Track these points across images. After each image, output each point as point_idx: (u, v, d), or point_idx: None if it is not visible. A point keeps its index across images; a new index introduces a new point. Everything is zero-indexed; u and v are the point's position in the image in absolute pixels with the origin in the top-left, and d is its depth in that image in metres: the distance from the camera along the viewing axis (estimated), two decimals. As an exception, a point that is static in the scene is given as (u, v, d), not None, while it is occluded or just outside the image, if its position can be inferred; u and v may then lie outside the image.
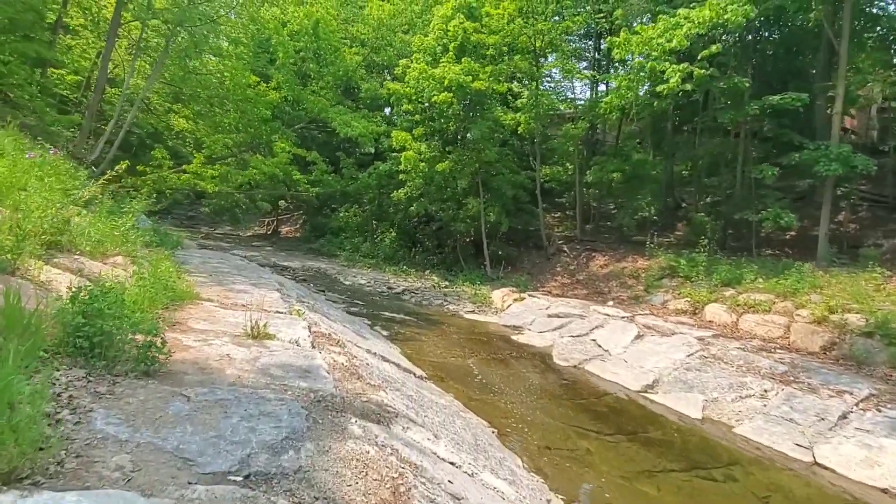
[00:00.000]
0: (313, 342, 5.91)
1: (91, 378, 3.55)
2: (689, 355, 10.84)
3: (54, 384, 3.17)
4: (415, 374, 7.92)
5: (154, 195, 19.94)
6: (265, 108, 22.03)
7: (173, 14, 12.55)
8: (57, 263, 4.95)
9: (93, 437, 2.76)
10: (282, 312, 7.00)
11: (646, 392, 9.70)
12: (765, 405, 8.52)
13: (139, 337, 3.96)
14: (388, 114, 26.14)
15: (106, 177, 8.74)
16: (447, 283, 18.86)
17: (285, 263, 20.07)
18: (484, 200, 19.00)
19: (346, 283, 17.90)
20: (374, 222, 25.35)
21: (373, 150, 26.46)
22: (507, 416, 7.71)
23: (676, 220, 21.66)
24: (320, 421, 3.63)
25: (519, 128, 18.57)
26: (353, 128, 20.76)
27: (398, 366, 7.75)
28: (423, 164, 18.63)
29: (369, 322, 12.04)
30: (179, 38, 15.98)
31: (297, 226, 32.41)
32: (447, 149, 19.57)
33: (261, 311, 6.79)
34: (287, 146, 22.23)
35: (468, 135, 18.56)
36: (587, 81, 22.78)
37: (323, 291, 14.99)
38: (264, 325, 5.50)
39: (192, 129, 23.54)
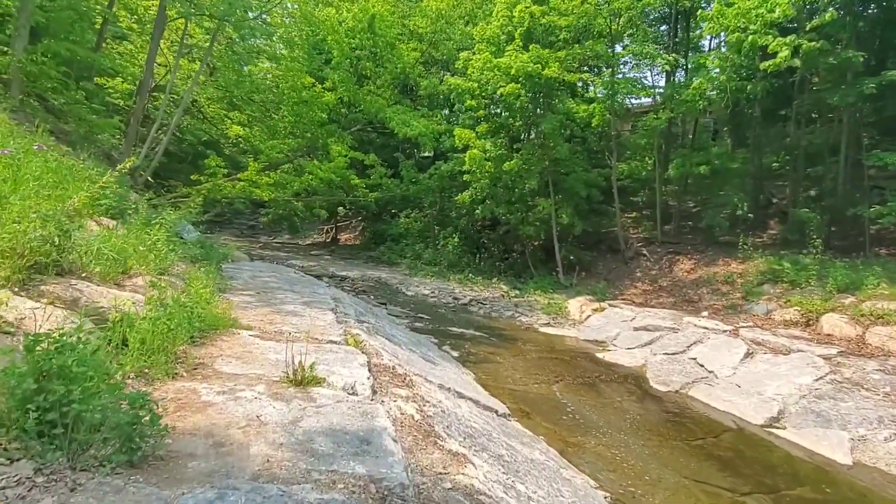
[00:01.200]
0: (374, 386, 4.59)
1: (42, 475, 2.33)
2: (817, 379, 9.09)
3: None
4: (497, 412, 6.52)
5: (202, 205, 19.40)
6: (321, 110, 21.11)
7: (217, 8, 11.63)
8: (42, 293, 3.79)
9: None
10: (336, 341, 5.73)
11: (771, 426, 8.03)
12: (939, 449, 6.77)
13: (126, 405, 2.71)
14: (448, 112, 24.86)
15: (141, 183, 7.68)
16: (517, 291, 17.41)
17: (344, 273, 19.04)
18: (555, 201, 17.45)
19: (409, 293, 16.69)
20: (435, 228, 24.09)
21: (432, 153, 25.24)
22: (615, 467, 6.20)
23: (768, 218, 19.55)
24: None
25: (593, 120, 16.93)
26: (412, 128, 19.54)
27: (476, 402, 6.36)
28: (489, 163, 17.23)
29: (436, 340, 10.73)
30: (224, 35, 15.22)
31: (357, 233, 31.53)
32: (514, 146, 18.11)
33: (310, 340, 5.54)
34: (344, 150, 21.22)
35: (537, 129, 17.04)
36: (660, 71, 20.96)
37: (384, 304, 13.80)
38: (311, 366, 4.21)
39: (246, 135, 22.88)
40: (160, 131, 14.40)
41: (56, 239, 4.26)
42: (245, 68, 21.44)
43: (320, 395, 3.96)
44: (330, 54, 22.46)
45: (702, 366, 10.49)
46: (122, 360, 3.70)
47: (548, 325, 14.02)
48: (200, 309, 5.15)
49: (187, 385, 3.71)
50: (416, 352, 8.18)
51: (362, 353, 5.74)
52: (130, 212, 7.57)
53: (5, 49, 9.78)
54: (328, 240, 30.69)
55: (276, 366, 4.40)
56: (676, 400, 9.18)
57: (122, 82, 16.30)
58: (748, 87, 14.94)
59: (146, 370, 3.76)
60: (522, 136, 18.51)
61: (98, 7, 13.38)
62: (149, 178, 17.07)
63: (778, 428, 7.98)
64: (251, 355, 4.63)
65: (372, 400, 4.21)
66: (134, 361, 3.70)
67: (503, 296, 16.62)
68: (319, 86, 21.04)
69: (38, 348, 2.61)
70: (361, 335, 6.75)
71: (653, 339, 12.38)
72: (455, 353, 10.14)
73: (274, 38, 21.81)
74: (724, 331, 11.96)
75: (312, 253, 24.77)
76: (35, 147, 5.53)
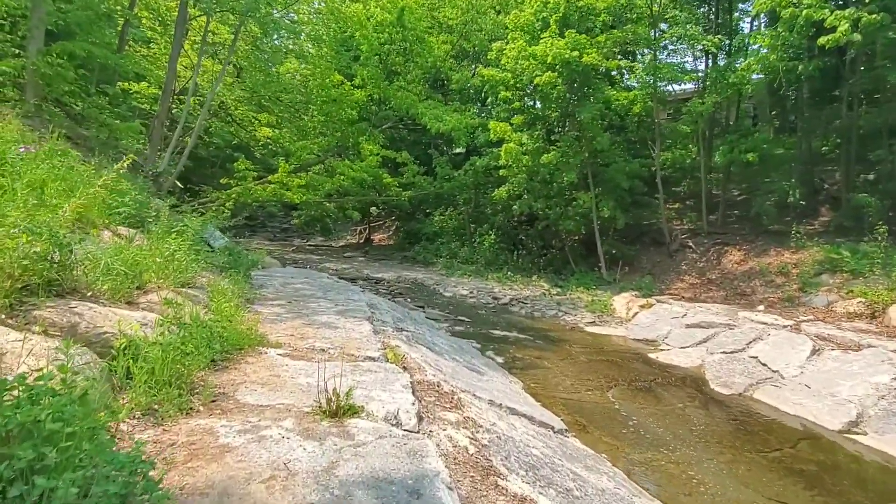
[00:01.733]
0: (419, 412, 3.99)
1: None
2: (895, 378, 8.24)
3: None
4: (553, 428, 5.87)
5: (232, 209, 19.08)
6: (350, 108, 20.63)
7: (239, 3, 11.16)
8: (35, 318, 3.27)
9: None
10: (374, 357, 5.14)
11: (850, 432, 7.24)
12: None
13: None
14: (481, 106, 24.12)
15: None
16: (558, 289, 16.68)
17: (378, 275, 18.56)
18: (595, 194, 16.65)
19: (447, 294, 16.10)
20: (471, 225, 23.46)
21: (464, 149, 24.57)
22: (690, 490, 5.50)
23: (818, 205, 18.46)
24: None
25: (633, 108, 16.08)
26: (444, 122, 18.90)
27: (531, 419, 5.73)
28: (526, 157, 16.51)
29: (479, 345, 10.10)
30: (249, 32, 14.81)
31: (390, 233, 31.08)
32: (551, 138, 17.37)
33: (345, 357, 4.98)
34: (375, 148, 20.71)
35: (575, 120, 16.25)
36: (699, 55, 19.95)
37: (422, 308, 13.22)
38: (348, 392, 3.63)
39: (276, 136, 22.56)
40: (185, 134, 14.05)
41: (55, 254, 3.77)
42: (273, 68, 21.13)
43: (359, 428, 3.37)
44: (358, 51, 21.97)
45: (765, 365, 9.70)
46: (126, 396, 3.17)
47: (593, 323, 13.28)
48: (223, 326, 4.62)
49: (203, 423, 3.15)
50: (460, 361, 7.57)
51: (404, 369, 5.16)
52: (151, 219, 7.10)
53: (19, 52, 9.46)
54: (361, 241, 30.30)
55: (308, 392, 3.83)
56: (741, 404, 8.43)
57: (148, 86, 16.00)
58: (799, 67, 13.95)
59: (155, 407, 3.21)
60: (559, 128, 17.77)
61: (119, 8, 13.07)
62: (176, 183, 16.81)
63: (858, 434, 7.20)
64: (279, 380, 4.06)
65: (418, 431, 3.61)
66: (140, 398, 3.16)
67: (544, 294, 15.91)
68: (348, 83, 20.57)
69: (5, 398, 2.07)
70: (401, 347, 6.17)
71: (708, 337, 11.60)
72: (500, 359, 9.51)
73: (301, 37, 21.42)
74: (785, 326, 11.14)
75: (346, 255, 24.38)
76: (21, 150, 5.05)
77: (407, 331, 8.04)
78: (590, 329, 12.81)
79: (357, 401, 3.73)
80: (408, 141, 26.22)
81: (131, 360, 3.25)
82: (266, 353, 4.73)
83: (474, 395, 5.48)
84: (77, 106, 11.10)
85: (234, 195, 18.98)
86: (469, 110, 21.69)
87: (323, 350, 5.10)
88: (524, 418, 5.63)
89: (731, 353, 10.50)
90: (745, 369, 9.66)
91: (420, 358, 5.98)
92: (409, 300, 14.38)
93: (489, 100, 20.83)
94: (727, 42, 16.69)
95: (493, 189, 20.76)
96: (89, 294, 4.04)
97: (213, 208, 11.40)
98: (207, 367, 4.06)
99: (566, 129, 17.51)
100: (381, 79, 21.09)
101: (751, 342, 10.71)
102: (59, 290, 3.77)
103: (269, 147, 23.50)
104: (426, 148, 26.77)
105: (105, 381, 3.21)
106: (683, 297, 15.25)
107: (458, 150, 25.03)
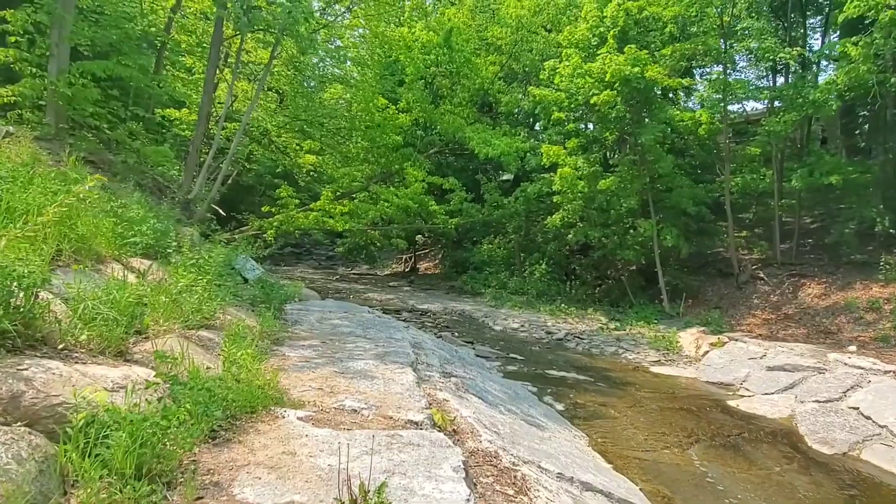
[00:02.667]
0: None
1: None
2: None
3: None
4: (635, 508, 4.79)
5: (272, 238, 18.56)
6: (395, 133, 20.00)
7: (276, 21, 10.58)
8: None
9: None
10: (417, 422, 4.18)
11: None
12: None
13: None
14: (530, 130, 23.19)
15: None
16: (616, 322, 15.46)
17: (424, 307, 17.66)
18: (656, 221, 15.45)
19: (496, 328, 15.06)
20: (521, 254, 22.43)
21: (513, 176, 23.60)
22: None
23: (903, 232, 16.81)
24: None
25: (699, 129, 14.89)
26: (493, 147, 18.01)
27: (609, 496, 4.65)
28: (581, 182, 15.44)
29: (535, 388, 9.04)
30: (287, 52, 14.33)
31: (436, 261, 30.24)
32: (609, 163, 16.31)
33: (382, 420, 4.05)
34: (421, 174, 19.97)
35: (635, 142, 15.15)
36: (767, 72, 18.67)
37: (471, 344, 12.22)
38: (380, 488, 2.67)
39: (318, 163, 22.10)
40: (218, 159, 13.54)
41: (18, 297, 2.96)
42: (314, 92, 20.80)
43: (393, 548, 2.41)
44: (403, 74, 21.43)
45: (868, 418, 8.36)
46: (76, 496, 2.30)
47: (659, 363, 12.04)
48: (231, 384, 3.73)
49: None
50: (517, 412, 6.54)
51: (453, 434, 4.19)
52: (172, 250, 6.36)
53: (39, 71, 9.00)
54: (407, 269, 29.55)
55: (328, 482, 2.88)
56: (848, 467, 7.15)
57: (190, 113, 15.66)
58: (892, 80, 12.61)
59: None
60: (618, 151, 16.71)
61: (153, 29, 12.74)
62: (217, 210, 16.38)
63: None
64: (293, 461, 3.13)
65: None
66: (91, 499, 2.27)
67: (602, 328, 14.70)
68: (393, 107, 19.98)
69: None
70: (450, 401, 5.21)
71: (794, 382, 10.28)
72: (560, 406, 8.43)
73: (346, 64, 21.05)
74: (887, 371, 9.74)
75: (391, 284, 23.60)
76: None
77: (455, 375, 7.07)
78: (656, 369, 11.56)
79: (393, 496, 2.77)
80: (454, 167, 25.47)
81: (81, 449, 2.37)
82: (284, 416, 3.82)
83: (540, 466, 4.45)
84: (108, 131, 10.64)
85: (276, 223, 18.50)
86: (518, 134, 20.76)
87: (355, 411, 4.16)
88: (601, 496, 4.57)
89: (826, 402, 9.19)
90: (845, 423, 8.35)
91: (472, 416, 4.99)
92: (456, 334, 13.41)
93: (540, 122, 19.91)
94: (803, 55, 15.36)
95: (544, 216, 19.74)
96: (61, 347, 3.22)
97: (247, 237, 10.76)
98: (205, 439, 3.17)
99: (625, 152, 16.40)
100: (427, 102, 20.43)
101: (848, 390, 9.37)
102: (19, 344, 2.94)
103: (312, 174, 23.08)
104: (473, 174, 25.94)
105: (51, 474, 2.35)
106: (759, 335, 13.83)
107: (506, 177, 24.04)
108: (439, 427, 4.24)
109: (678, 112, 15.14)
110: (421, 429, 4.05)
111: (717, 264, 17.78)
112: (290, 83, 19.02)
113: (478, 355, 10.87)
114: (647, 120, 14.84)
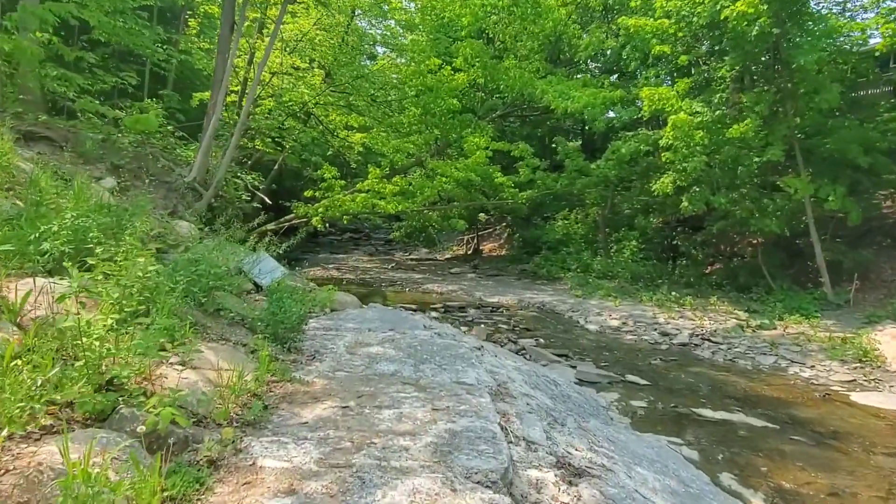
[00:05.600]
0: None
1: None
2: None
3: None
4: None
5: (317, 224, 15.84)
6: (450, 96, 16.72)
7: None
8: None
9: None
10: None
11: None
12: None
13: None
14: (619, 77, 19.10)
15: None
16: (756, 316, 11.80)
17: (494, 299, 14.46)
18: (808, 176, 11.57)
19: (591, 328, 11.69)
20: (605, 230, 18.91)
21: (580, 143, 19.80)
22: None
23: None
24: None
25: (879, 45, 10.84)
26: (574, 100, 14.38)
27: None
28: (700, 132, 11.71)
29: (694, 451, 5.68)
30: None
31: (501, 241, 26.78)
32: (740, 102, 12.38)
33: None
34: (483, 141, 16.52)
35: (782, 69, 11.22)
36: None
37: (565, 357, 8.92)
38: None
39: (368, 139, 19.16)
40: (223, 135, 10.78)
41: None
42: (361, 62, 17.92)
43: None
44: (457, 31, 18.08)
45: None
46: None
47: (853, 383, 8.21)
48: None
49: None
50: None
51: None
52: (104, 258, 3.48)
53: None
54: (469, 251, 26.23)
55: None
56: None
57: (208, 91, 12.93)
58: None
59: None
60: (760, 84, 12.70)
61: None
62: (263, 198, 13.82)
63: None
64: None
65: None
66: None
67: (740, 326, 11.01)
68: (448, 67, 16.64)
69: None
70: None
71: None
72: (732, 477, 5.12)
73: (391, 23, 18.00)
74: None
75: (452, 271, 20.39)
76: None
77: (574, 451, 3.94)
78: (860, 398, 7.54)
79: None
80: (520, 134, 21.93)
81: None
82: None
83: None
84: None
85: (321, 209, 15.66)
86: (603, 83, 16.98)
87: None
88: None
89: None
90: None
91: None
92: (541, 340, 10.16)
93: (632, 65, 16.12)
94: None
95: (637, 182, 16.20)
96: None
97: (259, 234, 8.08)
98: None
99: (761, 86, 12.42)
100: (488, 56, 16.96)
101: None
102: None
103: (359, 151, 20.16)
104: (542, 140, 22.42)
105: None
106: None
107: (576, 143, 20.18)
108: None
109: (841, 23, 11.12)
110: None
111: (888, 231, 13.61)
112: (334, 52, 16.20)
113: (581, 381, 7.63)
114: (798, 38, 10.93)
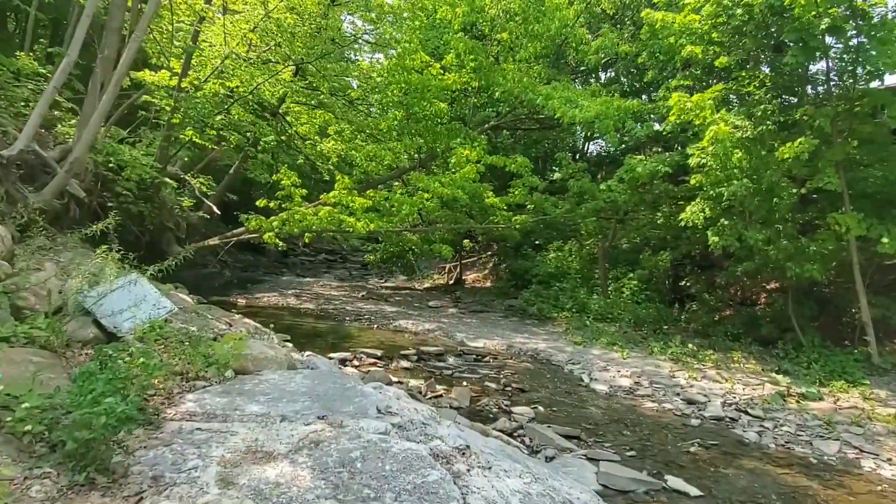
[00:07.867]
0: None
1: None
2: None
3: None
4: None
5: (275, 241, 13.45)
6: (438, 98, 14.45)
7: None
8: None
9: None
10: None
11: None
12: None
13: None
14: (636, 87, 16.89)
15: None
16: (788, 375, 9.62)
17: (479, 344, 12.05)
18: (853, 209, 9.47)
19: (598, 388, 9.30)
20: (605, 265, 16.61)
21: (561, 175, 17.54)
22: None
23: None
24: None
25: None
26: (583, 109, 12.15)
27: None
28: (738, 152, 9.45)
29: None
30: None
31: (486, 271, 24.32)
32: (792, 116, 10.11)
33: None
34: (475, 154, 14.16)
35: (854, 71, 9.03)
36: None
37: (577, 441, 6.49)
38: None
39: (339, 148, 16.81)
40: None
41: None
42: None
43: None
44: (450, 31, 15.86)
45: None
46: None
47: None
48: None
49: None
50: None
51: None
52: None
53: None
54: (451, 281, 23.74)
55: None
56: None
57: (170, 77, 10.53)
58: None
59: None
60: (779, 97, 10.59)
61: None
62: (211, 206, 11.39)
63: None
64: None
65: None
66: None
67: (779, 394, 8.77)
68: (436, 65, 14.35)
69: None
70: None
71: None
72: None
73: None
74: None
75: (430, 304, 17.90)
76: None
77: None
78: None
79: None
80: (514, 152, 19.80)
81: None
82: None
83: None
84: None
85: (276, 223, 13.14)
86: (614, 94, 14.71)
87: None
88: None
89: None
90: None
91: None
92: (540, 408, 7.76)
93: (649, 76, 13.97)
94: None
95: (647, 212, 14.01)
96: None
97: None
98: None
99: (811, 98, 10.23)
100: (483, 54, 14.66)
101: None
102: None
103: (335, 163, 17.75)
104: (538, 162, 20.19)
105: None
106: None
107: (556, 176, 17.85)
108: None
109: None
110: None
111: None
112: (306, 43, 13.91)
113: (606, 487, 5.23)
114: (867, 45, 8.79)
